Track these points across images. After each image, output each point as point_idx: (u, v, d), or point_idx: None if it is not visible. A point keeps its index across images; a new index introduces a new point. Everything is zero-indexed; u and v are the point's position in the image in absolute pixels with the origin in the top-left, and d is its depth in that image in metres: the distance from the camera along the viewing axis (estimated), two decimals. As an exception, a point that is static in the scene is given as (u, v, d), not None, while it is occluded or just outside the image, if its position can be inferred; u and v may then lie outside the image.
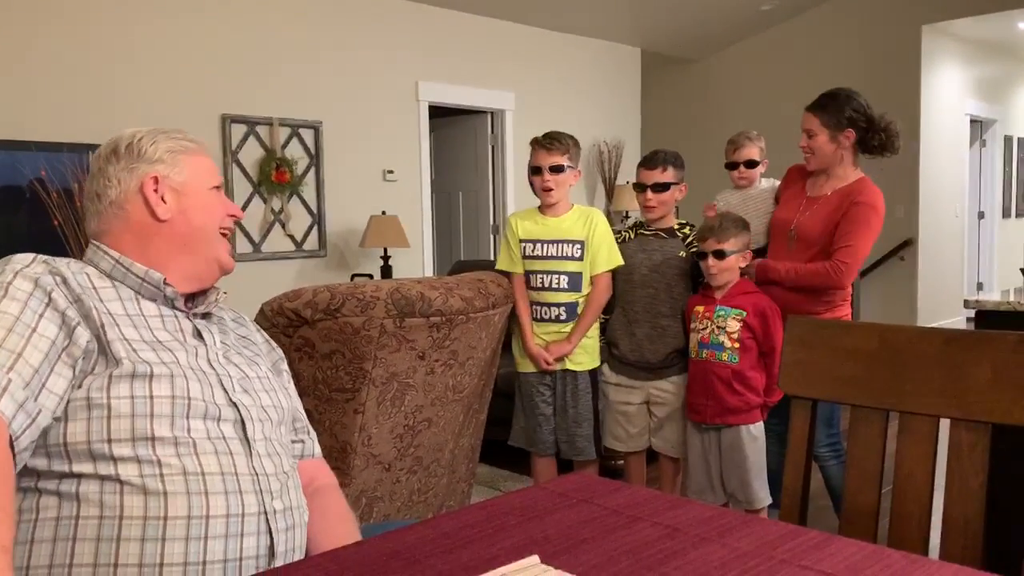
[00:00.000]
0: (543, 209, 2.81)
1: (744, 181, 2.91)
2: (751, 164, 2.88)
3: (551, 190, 2.73)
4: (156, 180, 1.23)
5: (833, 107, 2.59)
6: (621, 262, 2.75)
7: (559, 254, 2.73)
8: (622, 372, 2.78)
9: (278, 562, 1.14)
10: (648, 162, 2.75)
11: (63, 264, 1.14)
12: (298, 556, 1.18)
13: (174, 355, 1.15)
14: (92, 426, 1.05)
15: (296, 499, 1.21)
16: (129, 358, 1.10)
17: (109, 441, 1.05)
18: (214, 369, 1.19)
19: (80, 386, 1.07)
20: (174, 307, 1.23)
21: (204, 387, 1.15)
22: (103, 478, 1.04)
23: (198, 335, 1.22)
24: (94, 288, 1.15)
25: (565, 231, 2.74)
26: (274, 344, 1.43)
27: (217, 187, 1.31)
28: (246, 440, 1.16)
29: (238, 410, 1.17)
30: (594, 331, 2.79)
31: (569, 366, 2.76)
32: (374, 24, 5.48)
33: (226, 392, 1.18)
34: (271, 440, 1.21)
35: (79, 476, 1.04)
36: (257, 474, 1.14)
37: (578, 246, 2.73)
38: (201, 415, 1.13)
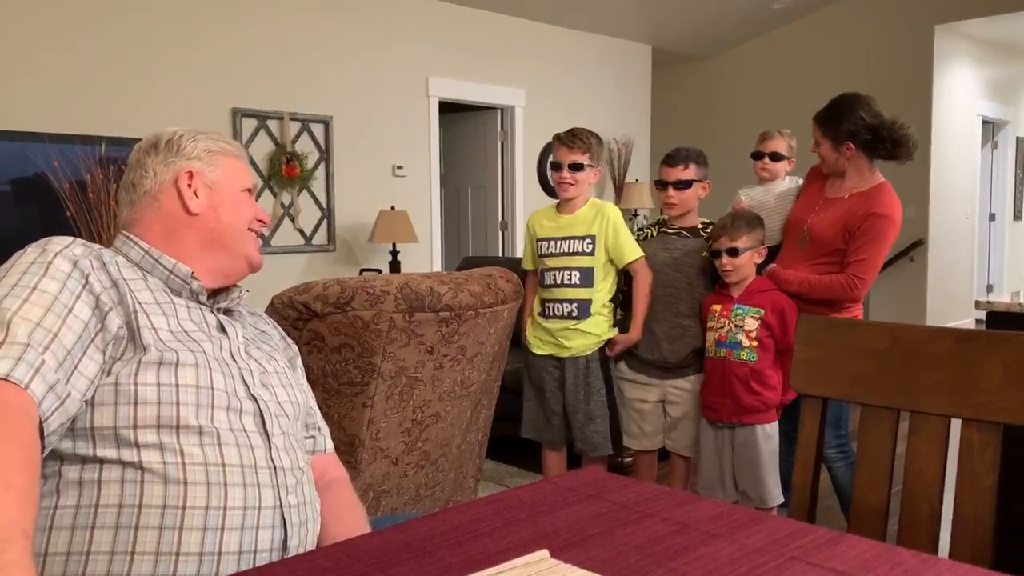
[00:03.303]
0: (559, 206, 2.81)
1: (766, 173, 2.88)
2: (776, 157, 2.86)
3: (569, 186, 2.72)
4: (191, 175, 1.27)
5: (833, 120, 2.55)
6: (641, 252, 2.74)
7: (570, 250, 2.73)
8: (639, 370, 2.77)
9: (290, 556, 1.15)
10: (670, 159, 2.72)
11: (100, 249, 1.17)
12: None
13: (200, 345, 1.16)
14: (119, 412, 1.06)
15: (310, 494, 1.22)
16: (156, 346, 1.11)
17: (135, 427, 1.06)
18: (236, 363, 1.20)
19: (109, 372, 1.08)
20: (198, 301, 1.24)
21: (227, 379, 1.16)
22: (125, 464, 1.05)
23: (221, 329, 1.24)
24: (123, 279, 1.16)
25: (576, 227, 2.75)
26: (290, 340, 1.44)
27: (249, 189, 1.34)
28: (265, 434, 1.17)
29: (257, 404, 1.19)
30: (604, 313, 2.76)
31: (571, 353, 2.75)
32: (385, 19, 5.48)
33: (247, 386, 1.19)
34: (288, 435, 1.22)
35: (101, 461, 1.05)
36: (275, 468, 1.15)
37: (588, 241, 2.72)
38: (224, 406, 1.14)
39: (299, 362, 1.43)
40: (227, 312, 1.30)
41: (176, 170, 1.27)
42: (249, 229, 1.32)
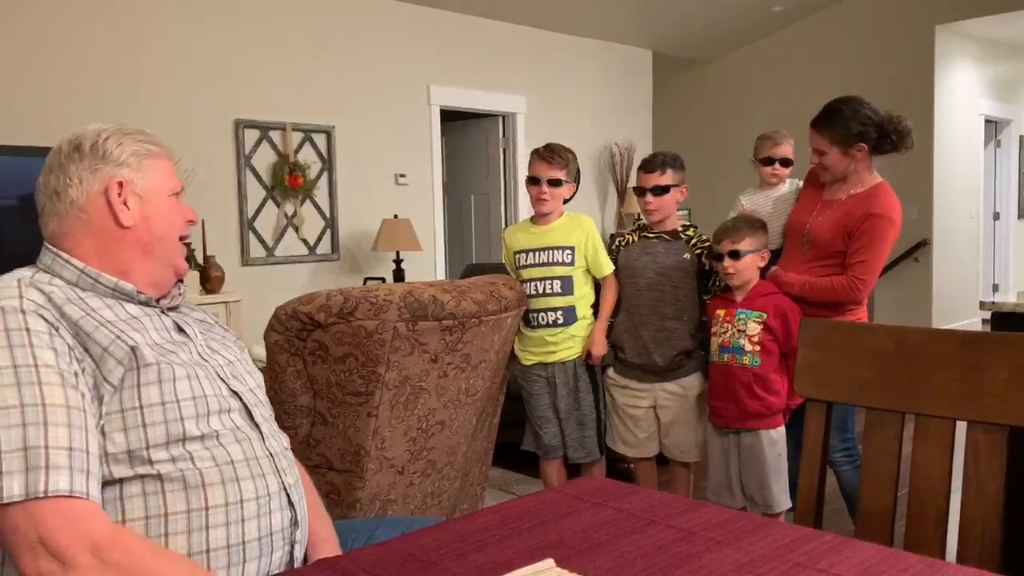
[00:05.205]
0: (535, 219, 2.86)
1: (775, 179, 2.89)
2: (787, 162, 2.87)
3: (546, 201, 2.76)
4: (121, 185, 1.21)
5: (840, 123, 2.54)
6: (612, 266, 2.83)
7: (550, 260, 2.78)
8: (629, 376, 2.77)
9: (300, 530, 1.23)
10: (647, 165, 2.75)
11: (45, 299, 1.12)
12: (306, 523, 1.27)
13: (177, 355, 1.17)
14: (130, 436, 1.09)
15: (297, 471, 1.29)
16: (153, 358, 1.12)
17: (148, 448, 1.09)
18: (207, 362, 1.22)
19: (101, 397, 1.09)
20: (147, 305, 1.23)
21: (211, 382, 1.19)
22: (144, 479, 1.09)
23: (179, 330, 1.24)
24: (85, 312, 1.13)
25: (554, 238, 2.79)
26: (226, 327, 1.44)
27: (177, 193, 1.29)
28: (255, 425, 1.23)
29: (240, 399, 1.23)
30: (588, 316, 2.81)
31: (559, 359, 2.78)
32: (386, 28, 5.50)
33: (224, 382, 1.22)
34: (268, 420, 1.28)
35: (120, 481, 1.08)
36: (272, 455, 1.22)
37: (568, 251, 2.77)
38: (216, 410, 1.18)
39: (242, 343, 1.43)
40: (171, 309, 1.28)
41: (104, 179, 1.20)
42: (180, 237, 1.29)
